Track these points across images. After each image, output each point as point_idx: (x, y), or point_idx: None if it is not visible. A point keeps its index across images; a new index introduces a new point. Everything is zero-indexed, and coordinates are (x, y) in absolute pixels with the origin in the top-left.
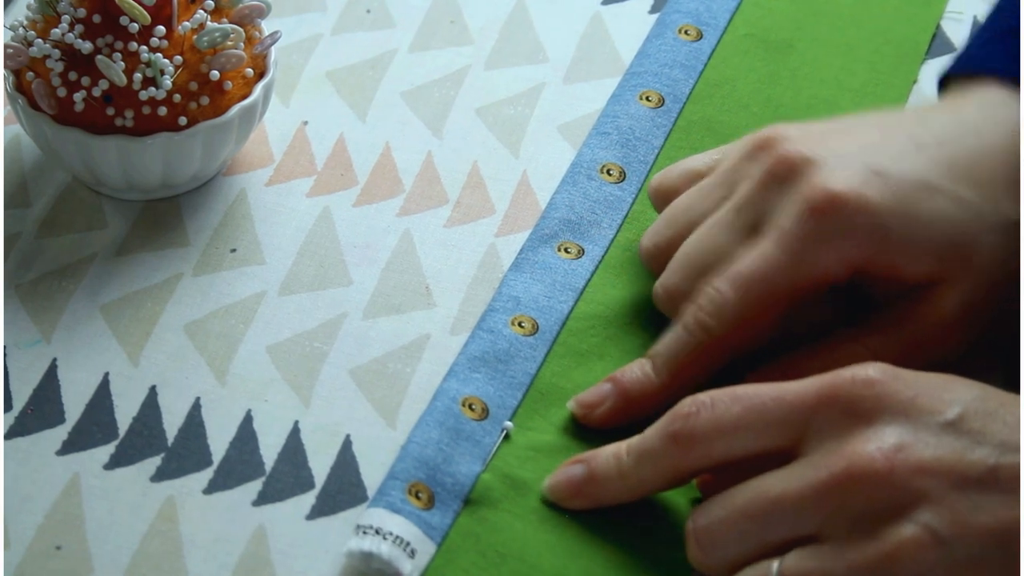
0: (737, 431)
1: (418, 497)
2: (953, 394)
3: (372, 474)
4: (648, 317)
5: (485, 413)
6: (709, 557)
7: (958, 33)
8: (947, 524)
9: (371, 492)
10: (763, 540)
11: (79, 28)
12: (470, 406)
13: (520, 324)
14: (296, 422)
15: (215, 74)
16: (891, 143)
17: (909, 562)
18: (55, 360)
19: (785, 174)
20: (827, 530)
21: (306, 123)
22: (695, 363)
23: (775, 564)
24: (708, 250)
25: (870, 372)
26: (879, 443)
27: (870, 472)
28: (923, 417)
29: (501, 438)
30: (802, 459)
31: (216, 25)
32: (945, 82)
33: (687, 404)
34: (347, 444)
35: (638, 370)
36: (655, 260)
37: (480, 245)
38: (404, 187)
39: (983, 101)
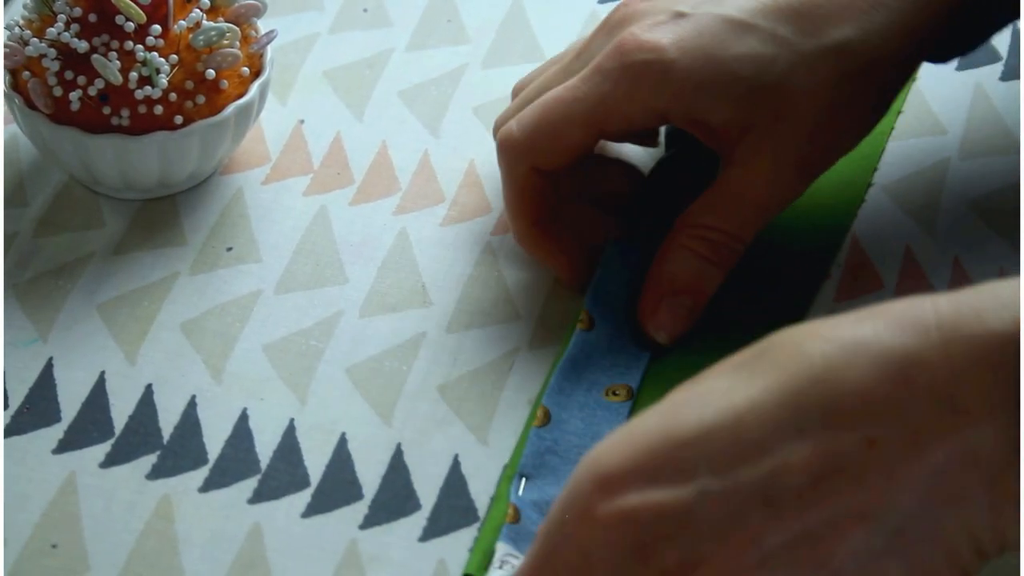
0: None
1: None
2: None
3: (367, 472)
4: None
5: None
6: None
7: None
8: None
9: (366, 490)
10: None
11: (75, 27)
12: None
13: (615, 392)
14: (292, 420)
15: (211, 73)
16: None
17: None
18: (51, 359)
19: (617, 22)
20: None
21: (302, 122)
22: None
23: None
24: (541, 88)
25: None
26: None
27: None
28: None
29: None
30: None
31: (212, 24)
32: None
33: None
34: (342, 442)
35: None
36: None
37: (476, 244)
38: (400, 186)
39: None
